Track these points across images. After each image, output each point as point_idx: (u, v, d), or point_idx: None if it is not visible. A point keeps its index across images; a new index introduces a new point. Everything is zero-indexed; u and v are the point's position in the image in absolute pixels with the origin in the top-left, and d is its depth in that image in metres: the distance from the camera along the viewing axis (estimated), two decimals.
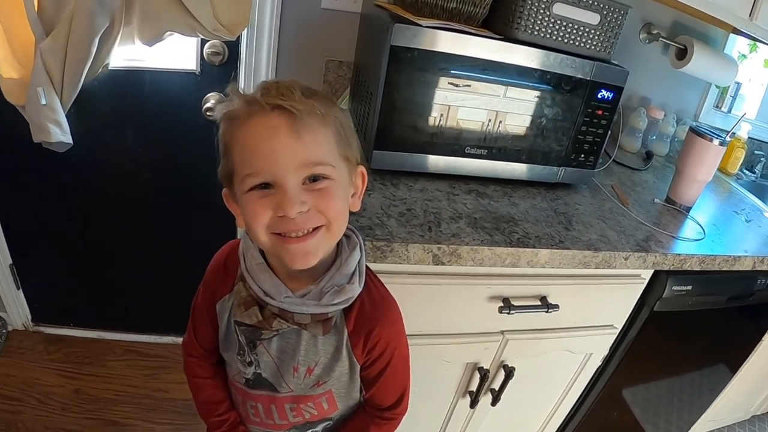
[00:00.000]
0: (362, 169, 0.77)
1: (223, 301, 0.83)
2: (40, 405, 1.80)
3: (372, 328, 0.80)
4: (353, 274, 0.78)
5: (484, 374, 1.23)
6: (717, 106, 2.01)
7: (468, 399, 1.30)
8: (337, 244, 0.78)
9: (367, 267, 0.83)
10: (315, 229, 0.70)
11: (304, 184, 0.67)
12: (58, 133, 1.46)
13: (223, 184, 0.75)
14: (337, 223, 0.72)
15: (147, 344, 2.13)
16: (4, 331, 2.02)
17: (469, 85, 1.15)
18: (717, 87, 1.94)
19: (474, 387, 1.27)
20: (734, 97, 2.06)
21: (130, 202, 1.87)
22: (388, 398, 0.89)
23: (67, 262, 2.00)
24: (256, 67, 1.57)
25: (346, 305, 0.78)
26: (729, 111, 2.07)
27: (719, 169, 1.88)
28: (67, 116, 1.47)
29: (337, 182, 0.70)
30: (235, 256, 0.81)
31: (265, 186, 0.67)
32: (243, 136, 0.67)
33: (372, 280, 0.84)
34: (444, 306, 1.11)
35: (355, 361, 0.82)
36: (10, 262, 1.93)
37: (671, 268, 1.20)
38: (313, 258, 0.71)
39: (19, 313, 2.05)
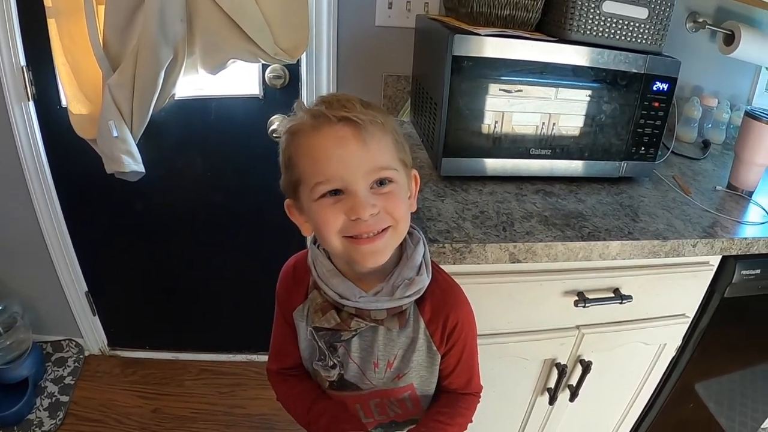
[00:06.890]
0: (415, 172, 0.83)
1: (299, 310, 0.86)
2: (119, 425, 1.86)
3: (448, 313, 0.83)
4: (420, 266, 0.82)
5: (562, 370, 1.24)
6: None
7: (546, 396, 1.31)
8: (401, 242, 0.81)
9: (432, 260, 0.86)
10: (383, 230, 0.74)
11: (372, 188, 0.72)
12: (131, 162, 1.53)
13: (286, 195, 0.80)
14: (403, 222, 0.76)
15: (222, 363, 2.18)
16: (81, 356, 2.11)
17: (523, 90, 1.18)
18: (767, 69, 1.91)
19: (552, 383, 1.29)
20: None
21: (202, 226, 1.93)
22: (466, 380, 0.92)
23: (141, 287, 2.07)
24: (318, 88, 1.62)
25: (418, 296, 0.81)
26: None
27: None
28: (138, 146, 1.54)
29: (400, 185, 0.76)
30: (303, 266, 0.86)
31: (335, 193, 0.72)
32: (311, 147, 0.72)
33: (438, 271, 0.87)
34: (521, 304, 1.14)
35: (434, 350, 0.85)
36: (86, 289, 2.02)
37: (738, 253, 1.20)
38: (382, 257, 0.76)
39: (95, 338, 2.13)
